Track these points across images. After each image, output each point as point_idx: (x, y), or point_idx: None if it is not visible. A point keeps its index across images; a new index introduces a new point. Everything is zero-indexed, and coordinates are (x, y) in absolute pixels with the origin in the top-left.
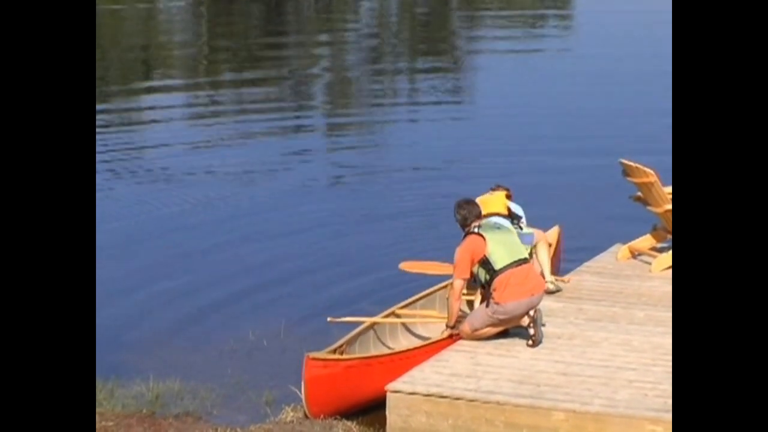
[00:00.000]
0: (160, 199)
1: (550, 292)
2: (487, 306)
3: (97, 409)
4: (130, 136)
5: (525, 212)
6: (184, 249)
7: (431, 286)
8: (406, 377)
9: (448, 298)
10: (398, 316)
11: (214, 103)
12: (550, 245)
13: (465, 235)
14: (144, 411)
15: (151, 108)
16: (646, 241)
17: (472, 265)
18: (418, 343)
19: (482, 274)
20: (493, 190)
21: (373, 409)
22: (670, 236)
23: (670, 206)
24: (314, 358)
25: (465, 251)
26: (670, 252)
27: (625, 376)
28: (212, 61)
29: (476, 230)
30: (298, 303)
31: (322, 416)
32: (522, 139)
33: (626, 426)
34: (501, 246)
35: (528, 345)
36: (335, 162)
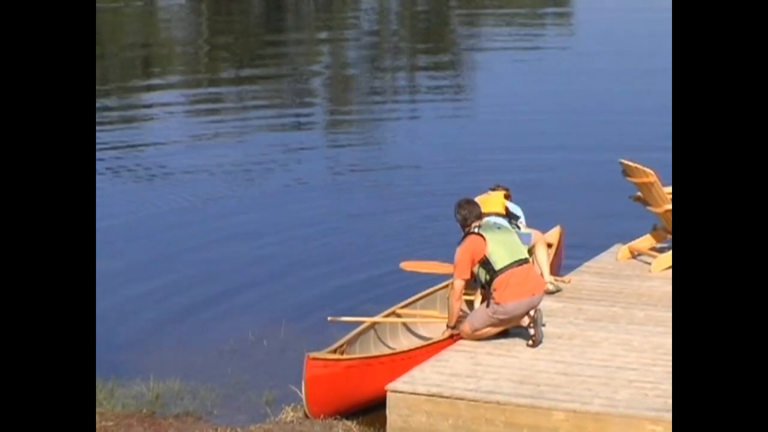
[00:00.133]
0: (159, 197)
1: (549, 293)
2: (487, 306)
3: (97, 409)
4: (128, 133)
5: (524, 212)
6: (184, 248)
7: (432, 285)
8: (406, 377)
9: (448, 298)
10: (399, 315)
11: (214, 100)
12: (550, 245)
13: (465, 235)
14: (144, 411)
15: (149, 105)
16: (646, 241)
17: (473, 265)
18: (418, 343)
19: (482, 275)
20: (493, 189)
21: (373, 409)
22: (670, 236)
23: (670, 206)
24: (315, 358)
25: (465, 251)
26: (670, 252)
27: (625, 376)
28: (212, 58)
29: (476, 230)
30: (298, 302)
31: (322, 416)
32: (522, 136)
33: (626, 426)
34: (501, 246)
35: (528, 345)
36: (336, 160)
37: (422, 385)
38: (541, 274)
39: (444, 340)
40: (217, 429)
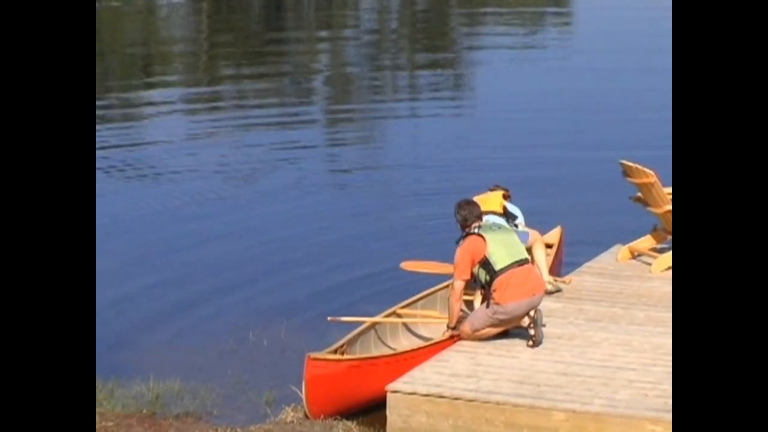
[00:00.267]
0: (158, 195)
1: (548, 293)
2: (487, 306)
3: (97, 409)
4: (127, 132)
5: (524, 212)
6: (184, 248)
7: (432, 285)
8: (406, 377)
9: (448, 299)
10: (399, 316)
11: (213, 98)
12: (551, 246)
13: (465, 236)
14: (144, 411)
15: (149, 103)
16: (646, 242)
17: (473, 265)
18: (418, 343)
19: (482, 275)
20: (492, 190)
21: (373, 409)
22: (670, 237)
23: (670, 207)
24: (315, 358)
25: (465, 252)
26: (670, 252)
27: (625, 376)
28: (212, 56)
29: (476, 231)
30: (298, 303)
31: (322, 416)
32: (522, 135)
33: (626, 426)
34: (501, 246)
35: (528, 345)
36: (336, 159)
37: (422, 385)
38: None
39: (444, 340)
40: (217, 429)
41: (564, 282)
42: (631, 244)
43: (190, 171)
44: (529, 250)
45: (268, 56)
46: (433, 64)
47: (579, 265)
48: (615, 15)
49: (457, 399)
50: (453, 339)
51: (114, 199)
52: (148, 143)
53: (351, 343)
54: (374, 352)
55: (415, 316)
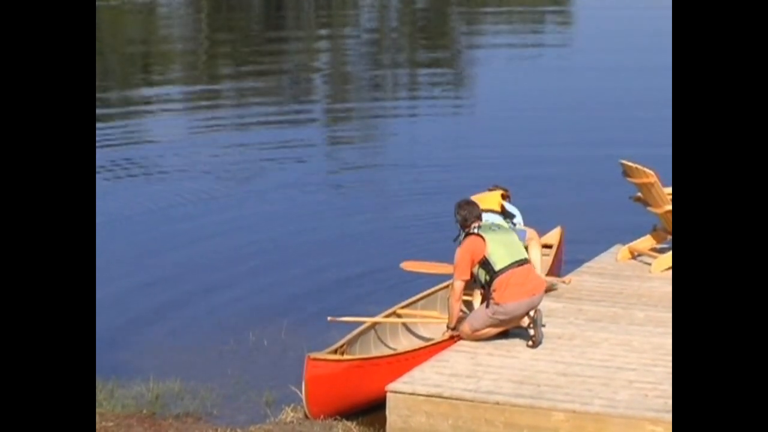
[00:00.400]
0: (156, 199)
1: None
2: (487, 306)
3: (97, 410)
4: (126, 130)
5: (524, 211)
6: (183, 248)
7: (432, 286)
8: (406, 377)
9: (448, 299)
10: (399, 316)
11: (213, 96)
12: (550, 246)
13: (465, 236)
14: (144, 411)
15: (148, 102)
16: (646, 242)
17: (472, 266)
18: (418, 343)
19: (482, 275)
20: (491, 190)
21: (373, 409)
22: (670, 237)
23: (670, 207)
24: (315, 359)
25: (465, 252)
26: (670, 252)
27: (625, 376)
28: (212, 55)
29: (476, 231)
30: (298, 303)
31: (322, 417)
32: (521, 134)
33: (626, 426)
34: (501, 246)
35: (528, 345)
36: (335, 158)
37: (422, 385)
38: None
39: (444, 340)
40: (217, 429)
41: (564, 282)
42: (630, 244)
43: (188, 171)
44: (525, 248)
45: (268, 55)
46: (432, 63)
47: (579, 262)
48: (615, 14)
49: (457, 399)
50: (453, 339)
51: (113, 198)
52: (146, 141)
53: (351, 343)
54: (374, 352)
55: (415, 316)
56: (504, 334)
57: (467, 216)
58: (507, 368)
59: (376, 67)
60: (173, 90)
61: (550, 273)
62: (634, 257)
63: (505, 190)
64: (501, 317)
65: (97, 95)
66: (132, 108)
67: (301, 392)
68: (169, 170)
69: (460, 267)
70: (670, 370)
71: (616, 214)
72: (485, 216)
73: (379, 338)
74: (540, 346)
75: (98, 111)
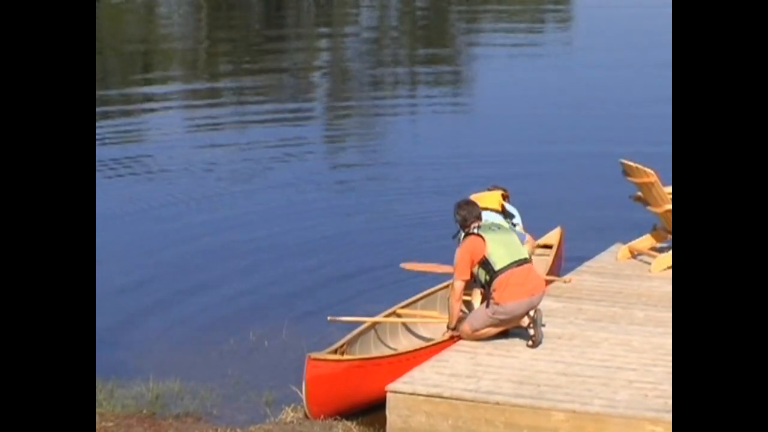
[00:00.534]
0: (157, 198)
1: None
2: (487, 306)
3: (97, 410)
4: (125, 128)
5: (523, 211)
6: (183, 249)
7: (432, 285)
8: (406, 377)
9: (448, 299)
10: (399, 316)
11: (212, 95)
12: (550, 246)
13: (464, 236)
14: (144, 411)
15: (148, 100)
16: (646, 241)
17: (472, 265)
18: (418, 343)
19: (482, 275)
20: (490, 190)
21: (373, 409)
22: (670, 236)
23: (670, 206)
24: (315, 358)
25: (465, 252)
26: (670, 252)
27: (625, 376)
28: (212, 53)
29: (475, 231)
30: (298, 302)
31: (322, 416)
32: (522, 131)
33: (626, 426)
34: (501, 246)
35: (528, 345)
36: (336, 156)
37: (422, 385)
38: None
39: (444, 340)
40: (216, 429)
41: (564, 281)
42: (630, 243)
43: (187, 171)
44: None
45: (267, 53)
46: (432, 61)
47: (580, 259)
48: (614, 12)
49: (456, 399)
50: (453, 339)
51: (111, 197)
52: (145, 139)
53: (351, 343)
54: (374, 352)
55: (415, 316)
56: (504, 334)
57: (467, 216)
58: (507, 368)
59: (376, 65)
60: (172, 88)
61: (550, 273)
62: (634, 256)
63: (505, 190)
64: (501, 317)
65: (97, 93)
66: (131, 106)
67: (301, 392)
68: (169, 168)
69: (460, 267)
70: (670, 370)
71: (616, 212)
72: (485, 214)
73: (379, 338)
74: (540, 346)
75: (98, 109)
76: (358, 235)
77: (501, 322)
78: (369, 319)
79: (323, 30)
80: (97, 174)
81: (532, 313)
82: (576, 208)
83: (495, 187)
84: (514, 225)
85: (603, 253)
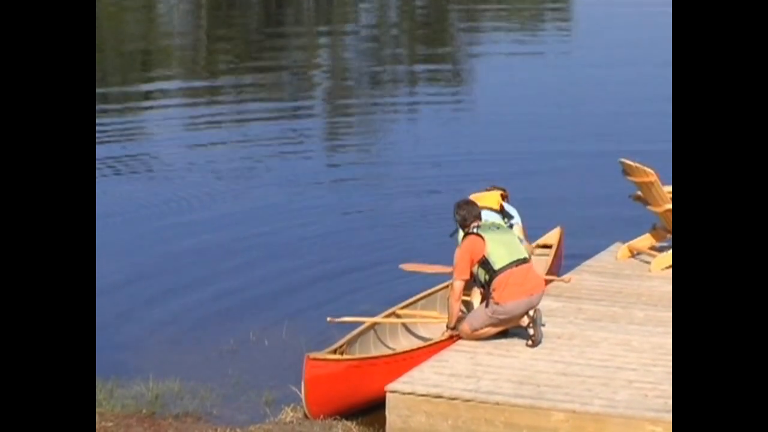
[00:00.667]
0: (157, 196)
1: None
2: (486, 306)
3: (97, 409)
4: (125, 127)
5: (522, 211)
6: (182, 247)
7: (432, 286)
8: (405, 377)
9: (448, 299)
10: (399, 316)
11: (212, 93)
12: (550, 246)
13: (464, 236)
14: (144, 411)
15: (148, 98)
16: (645, 241)
17: (472, 265)
18: (418, 343)
19: (482, 275)
20: (488, 190)
21: (373, 409)
22: (669, 236)
23: (669, 206)
24: (315, 358)
25: (464, 252)
26: (670, 251)
27: (625, 376)
28: (211, 51)
29: (475, 230)
30: (298, 303)
31: (321, 416)
32: (521, 129)
33: (626, 426)
34: (500, 246)
35: (527, 345)
36: (335, 156)
37: (422, 385)
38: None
39: (444, 340)
40: (216, 429)
41: (564, 281)
42: (630, 242)
43: (186, 170)
44: None
45: (267, 51)
46: (432, 59)
47: (580, 258)
48: (614, 11)
49: (456, 399)
50: (452, 339)
51: (110, 196)
52: (145, 137)
53: (351, 343)
54: (374, 352)
55: (414, 316)
56: (503, 334)
57: (466, 216)
58: (506, 368)
59: (375, 63)
60: (172, 86)
61: (549, 273)
62: (633, 256)
63: (504, 191)
64: (500, 316)
65: (97, 91)
66: (131, 104)
67: (300, 392)
68: (169, 166)
69: (459, 267)
70: (670, 370)
71: (616, 211)
72: (484, 213)
73: (378, 338)
74: (539, 346)
75: (98, 106)
76: (358, 233)
77: (500, 322)
78: (369, 320)
79: (323, 28)
80: (97, 171)
81: (531, 312)
82: (576, 207)
83: (494, 187)
84: (512, 225)
85: (603, 253)
